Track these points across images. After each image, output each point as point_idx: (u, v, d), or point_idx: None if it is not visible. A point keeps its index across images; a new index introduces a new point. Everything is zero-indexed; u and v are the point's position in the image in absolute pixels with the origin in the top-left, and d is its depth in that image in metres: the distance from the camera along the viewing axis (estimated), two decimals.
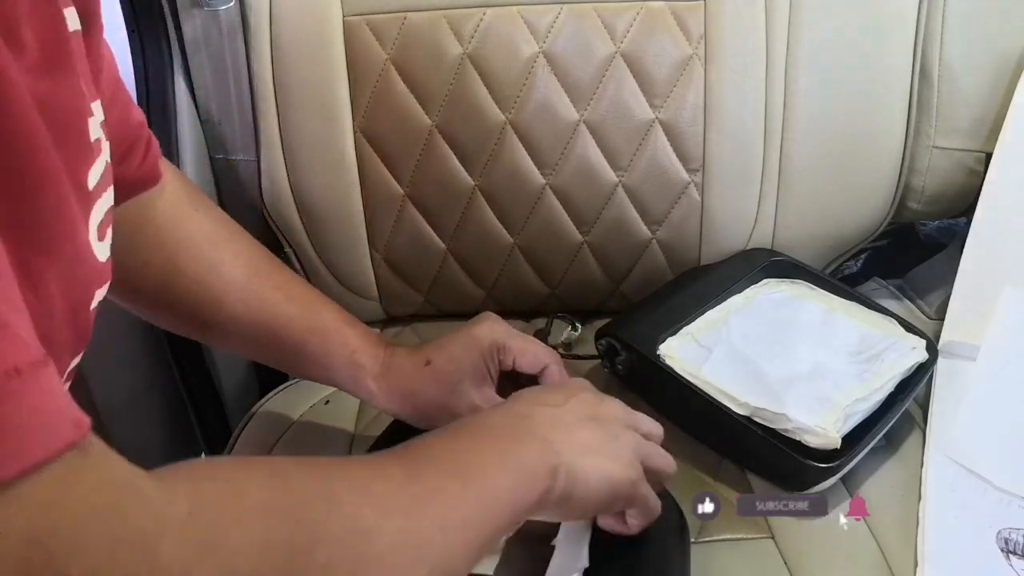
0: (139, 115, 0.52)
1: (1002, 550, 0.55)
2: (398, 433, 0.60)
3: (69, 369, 0.39)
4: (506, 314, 0.80)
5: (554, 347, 0.70)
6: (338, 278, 0.77)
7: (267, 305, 0.56)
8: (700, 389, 0.61)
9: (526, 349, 0.56)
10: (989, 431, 0.62)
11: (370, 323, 0.81)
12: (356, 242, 0.75)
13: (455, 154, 0.72)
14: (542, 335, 0.71)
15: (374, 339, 0.58)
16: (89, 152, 0.35)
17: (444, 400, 0.56)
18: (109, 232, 0.39)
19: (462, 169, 0.72)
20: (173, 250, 0.54)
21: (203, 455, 0.96)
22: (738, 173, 0.72)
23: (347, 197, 0.73)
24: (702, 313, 0.68)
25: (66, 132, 0.32)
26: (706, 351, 0.64)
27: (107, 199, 0.38)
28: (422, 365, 0.56)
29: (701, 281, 0.72)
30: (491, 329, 0.56)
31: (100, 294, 0.38)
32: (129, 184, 0.51)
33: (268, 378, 0.89)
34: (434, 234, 0.75)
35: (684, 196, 0.73)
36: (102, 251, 0.37)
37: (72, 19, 0.36)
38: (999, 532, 0.56)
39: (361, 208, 0.74)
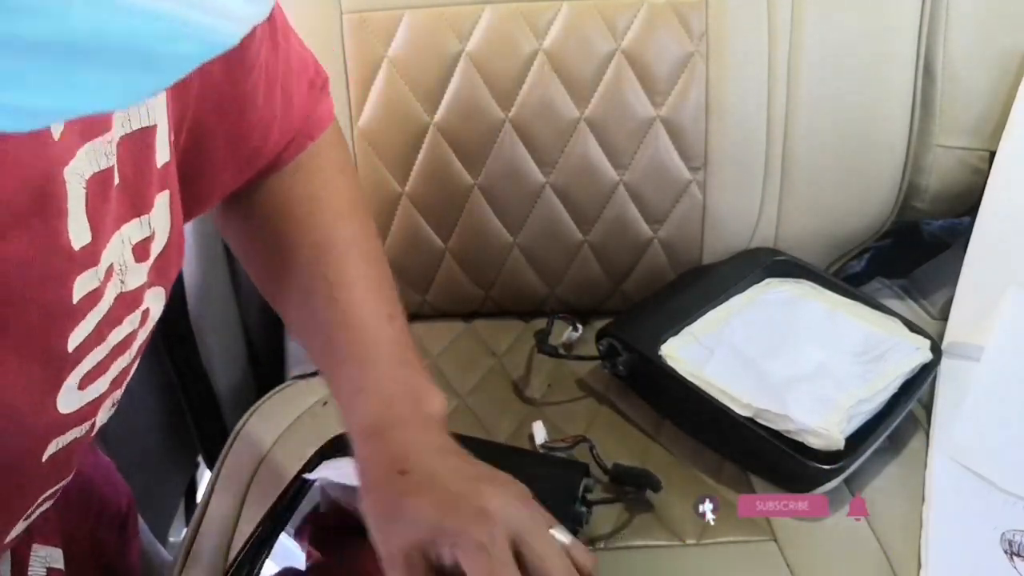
0: (276, 147, 0.48)
1: (1006, 552, 0.54)
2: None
3: (45, 496, 0.37)
4: (506, 314, 0.80)
5: (554, 347, 0.70)
6: None
7: (310, 298, 0.48)
8: (702, 390, 0.60)
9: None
10: (993, 432, 0.61)
11: None
12: None
13: (454, 153, 0.71)
14: (542, 335, 0.71)
15: (390, 395, 0.46)
16: (69, 317, 0.31)
17: (376, 527, 0.42)
18: (119, 362, 0.36)
19: (461, 168, 0.72)
20: (249, 210, 0.50)
21: (199, 457, 0.96)
22: (740, 171, 0.71)
23: None
24: (704, 313, 0.68)
25: (20, 312, 0.29)
26: (708, 351, 0.64)
27: (115, 336, 0.35)
28: (395, 472, 0.42)
29: (703, 281, 0.72)
30: (476, 515, 0.39)
31: (64, 440, 0.34)
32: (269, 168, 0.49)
33: (265, 379, 0.89)
34: (433, 233, 0.75)
35: (686, 195, 0.72)
36: (78, 400, 0.34)
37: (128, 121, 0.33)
38: (1003, 534, 0.55)
39: None
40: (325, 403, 0.70)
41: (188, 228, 0.75)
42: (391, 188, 0.72)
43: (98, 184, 0.32)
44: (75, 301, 0.31)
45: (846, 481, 0.59)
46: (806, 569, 0.55)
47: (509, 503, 0.39)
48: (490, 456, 0.45)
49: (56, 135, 0.29)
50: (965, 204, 0.76)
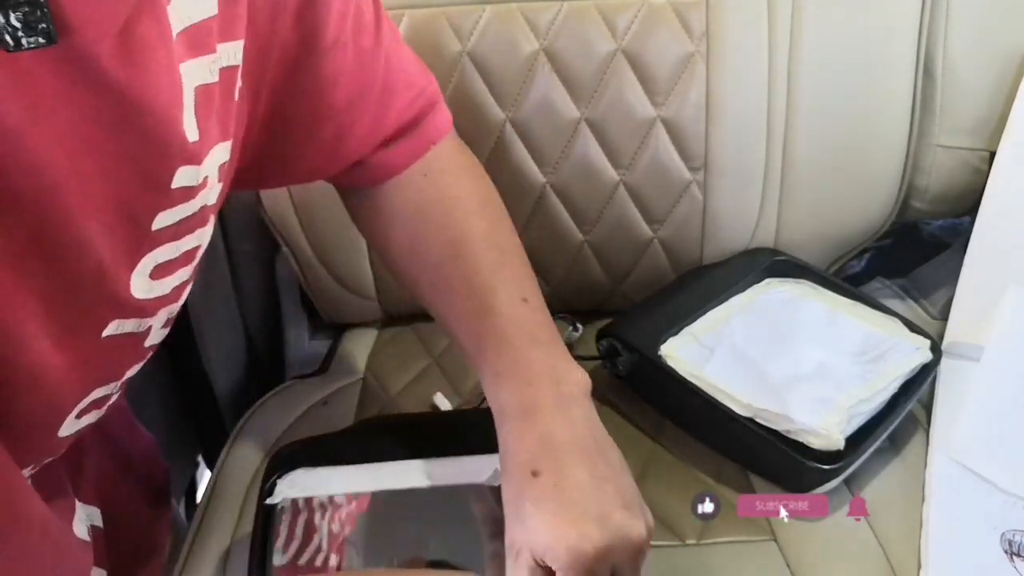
0: (366, 141, 0.50)
1: (1006, 552, 0.54)
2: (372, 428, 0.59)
3: (94, 399, 0.39)
4: None
5: None
6: (336, 278, 0.77)
7: (449, 294, 0.50)
8: (702, 390, 0.61)
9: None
10: (993, 432, 0.61)
11: (369, 323, 0.81)
12: (354, 242, 0.75)
13: None
14: None
15: (530, 375, 0.46)
16: (163, 197, 0.35)
17: (506, 510, 0.44)
18: (181, 272, 0.39)
19: None
20: (386, 215, 0.53)
21: (199, 457, 0.96)
22: (740, 172, 0.71)
23: None
24: (704, 313, 0.68)
25: (125, 172, 0.32)
26: (708, 351, 0.64)
27: (187, 242, 0.38)
28: (528, 472, 0.43)
29: (703, 281, 0.72)
30: (573, 556, 0.40)
31: (124, 325, 0.37)
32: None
33: (265, 379, 0.89)
34: None
35: (686, 195, 0.72)
36: (147, 288, 0.37)
37: (224, 57, 0.37)
38: (1003, 534, 0.55)
39: None
40: (325, 403, 0.70)
41: None
42: None
43: (204, 95, 0.36)
44: (172, 186, 0.35)
45: (846, 481, 0.59)
46: (806, 569, 0.55)
47: (613, 546, 0.41)
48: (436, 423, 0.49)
49: (174, 34, 0.33)
50: (965, 204, 0.76)
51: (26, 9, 0.26)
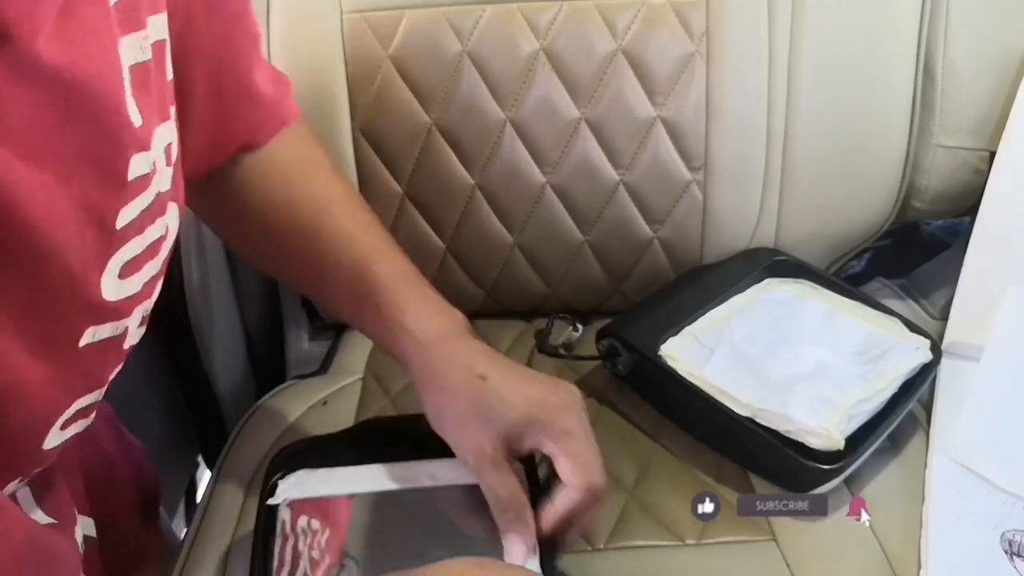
0: (246, 118, 0.51)
1: (1006, 552, 0.54)
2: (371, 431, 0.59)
3: (78, 408, 0.38)
4: (506, 314, 0.80)
5: (554, 347, 0.70)
6: None
7: (327, 246, 0.52)
8: (702, 390, 0.61)
9: (573, 458, 0.46)
10: (993, 432, 0.61)
11: None
12: None
13: (455, 153, 0.71)
14: (542, 335, 0.71)
15: (434, 308, 0.51)
16: (122, 191, 0.34)
17: (458, 425, 0.48)
18: (149, 267, 0.38)
19: (461, 168, 0.72)
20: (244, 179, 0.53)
21: (199, 457, 0.96)
22: (740, 172, 0.71)
23: None
24: (704, 313, 0.68)
25: (83, 170, 0.32)
26: (708, 351, 0.64)
27: (150, 234, 0.37)
28: (476, 377, 0.47)
29: (703, 281, 0.72)
30: (560, 407, 0.47)
31: (101, 331, 0.36)
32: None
33: (265, 379, 0.89)
34: (433, 233, 0.75)
35: (686, 195, 0.72)
36: (117, 289, 0.36)
37: (149, 43, 0.35)
38: (1003, 534, 0.55)
39: None
40: (325, 403, 0.70)
41: (188, 228, 0.75)
42: (391, 188, 0.72)
43: (139, 75, 0.34)
44: (129, 178, 0.34)
45: (846, 481, 0.59)
46: (806, 569, 0.55)
47: (579, 399, 0.48)
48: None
49: (112, 1, 0.31)
50: (965, 204, 0.76)
51: None
